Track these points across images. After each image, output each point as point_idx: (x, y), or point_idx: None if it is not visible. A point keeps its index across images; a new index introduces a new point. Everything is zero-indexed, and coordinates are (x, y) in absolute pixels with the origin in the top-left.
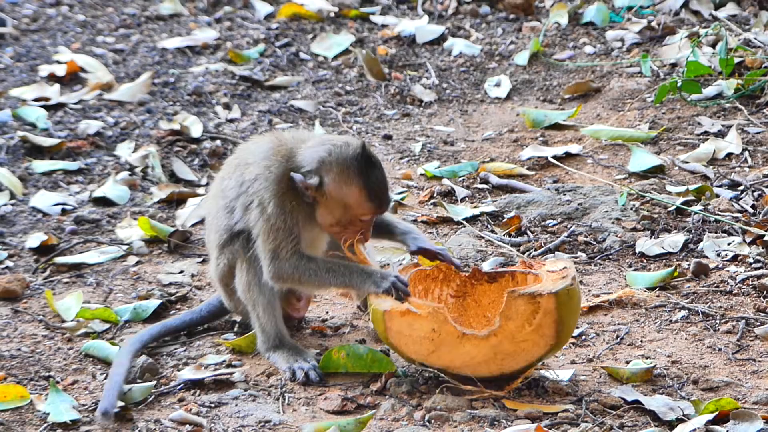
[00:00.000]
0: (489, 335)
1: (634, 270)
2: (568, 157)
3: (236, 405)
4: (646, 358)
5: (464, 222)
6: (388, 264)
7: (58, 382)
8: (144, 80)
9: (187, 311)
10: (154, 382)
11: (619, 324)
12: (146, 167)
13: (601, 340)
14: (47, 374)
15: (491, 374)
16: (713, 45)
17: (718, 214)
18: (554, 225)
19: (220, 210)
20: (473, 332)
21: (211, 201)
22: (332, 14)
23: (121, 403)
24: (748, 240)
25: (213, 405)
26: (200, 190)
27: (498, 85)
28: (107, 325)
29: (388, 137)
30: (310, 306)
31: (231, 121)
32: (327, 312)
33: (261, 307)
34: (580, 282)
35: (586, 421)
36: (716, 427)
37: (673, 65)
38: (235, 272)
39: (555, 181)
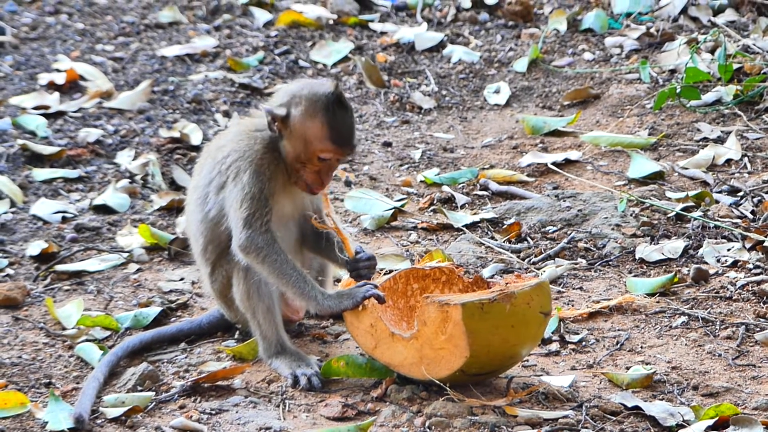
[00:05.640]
0: (412, 338)
1: (634, 276)
2: (567, 163)
3: (237, 412)
4: (646, 363)
5: (464, 228)
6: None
7: (57, 389)
8: (143, 88)
9: (184, 320)
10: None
11: (619, 330)
12: (146, 175)
13: (602, 346)
14: (48, 381)
15: (424, 377)
16: (712, 51)
17: (717, 220)
18: (554, 231)
19: (195, 208)
20: (400, 333)
21: (187, 208)
22: (331, 21)
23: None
24: (747, 246)
25: (214, 412)
26: None
27: (497, 91)
28: (108, 333)
29: (387, 144)
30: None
31: None
32: (328, 318)
33: (261, 314)
34: (580, 288)
35: (587, 427)
36: None
37: (672, 71)
38: (233, 282)
39: (555, 188)
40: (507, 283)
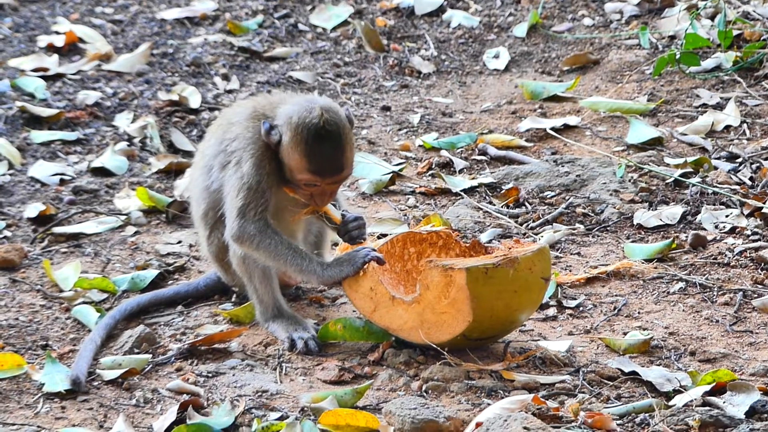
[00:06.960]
0: (413, 302)
1: (632, 242)
2: (566, 128)
3: (233, 375)
4: (644, 329)
5: (462, 193)
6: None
7: (54, 351)
8: (142, 51)
9: (182, 283)
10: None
11: (616, 295)
12: (145, 138)
13: (599, 312)
14: (45, 343)
15: (423, 342)
16: (712, 17)
17: (716, 186)
18: (552, 196)
19: (199, 175)
20: (401, 297)
21: (193, 170)
22: None
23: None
24: (746, 212)
25: (210, 374)
26: None
27: (497, 56)
28: (105, 295)
29: (386, 108)
30: None
31: (229, 92)
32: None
33: (257, 279)
34: (577, 253)
35: (583, 392)
36: (713, 398)
37: (672, 37)
38: (229, 247)
39: (553, 153)
40: (509, 248)
